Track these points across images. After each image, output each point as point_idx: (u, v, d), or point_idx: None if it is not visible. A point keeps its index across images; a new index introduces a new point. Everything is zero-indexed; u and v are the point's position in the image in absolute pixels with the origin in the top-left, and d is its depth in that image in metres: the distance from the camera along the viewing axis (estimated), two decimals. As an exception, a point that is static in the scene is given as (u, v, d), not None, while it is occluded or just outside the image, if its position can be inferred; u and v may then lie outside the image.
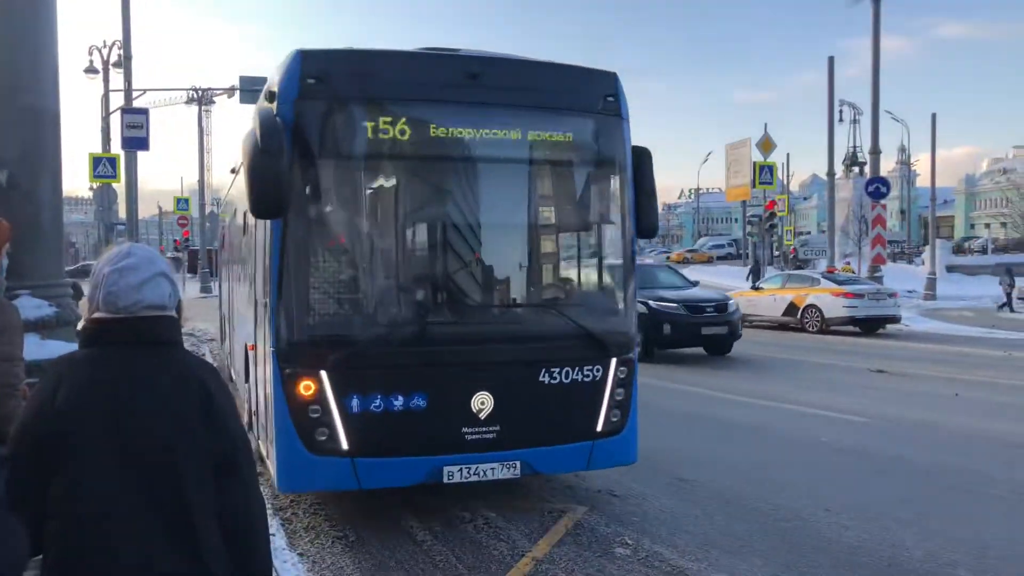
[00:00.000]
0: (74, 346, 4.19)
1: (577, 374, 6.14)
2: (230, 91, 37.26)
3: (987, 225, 76.92)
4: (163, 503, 2.18)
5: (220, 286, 16.07)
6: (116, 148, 24.15)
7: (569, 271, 6.70)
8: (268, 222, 5.65)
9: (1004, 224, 70.65)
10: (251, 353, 7.46)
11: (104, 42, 30.04)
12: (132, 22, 24.14)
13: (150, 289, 2.32)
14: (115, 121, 25.10)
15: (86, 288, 2.49)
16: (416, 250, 6.24)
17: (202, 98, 43.27)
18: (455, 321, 6.06)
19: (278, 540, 5.96)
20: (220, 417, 2.28)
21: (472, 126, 5.91)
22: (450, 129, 5.88)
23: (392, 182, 6.09)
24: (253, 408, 7.39)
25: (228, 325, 12.64)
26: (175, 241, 52.39)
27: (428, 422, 5.80)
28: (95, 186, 23.45)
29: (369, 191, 6.09)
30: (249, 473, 2.35)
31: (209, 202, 48.47)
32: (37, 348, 3.98)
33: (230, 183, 12.11)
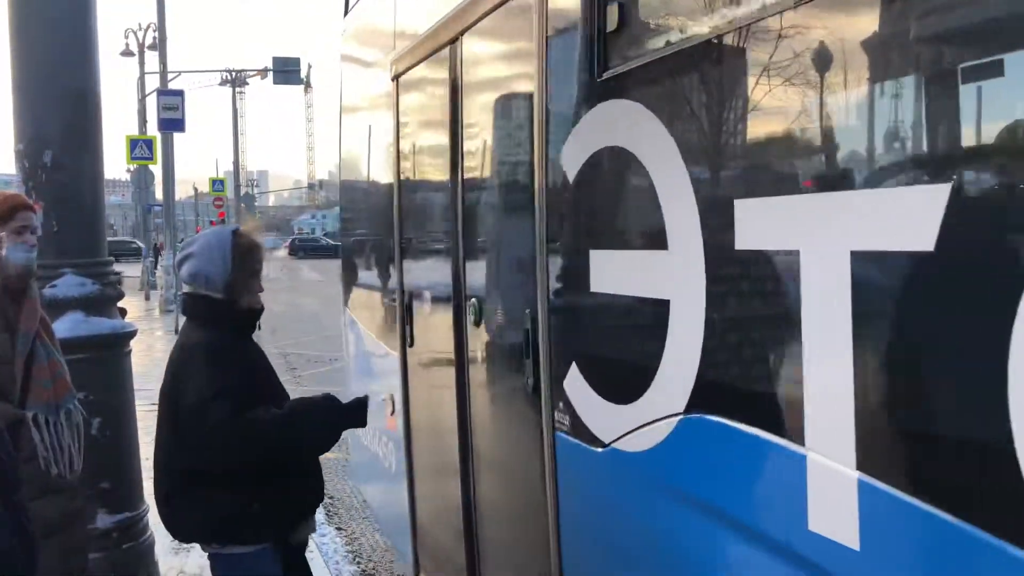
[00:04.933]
0: (117, 322, 4.28)
1: None
2: (263, 72, 37.48)
3: None
4: (158, 450, 2.89)
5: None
6: (152, 130, 24.44)
7: None
8: None
9: None
10: None
11: (139, 25, 30.35)
12: (166, 4, 24.35)
13: (183, 268, 2.91)
14: (151, 103, 25.38)
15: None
16: None
17: (236, 80, 43.54)
18: None
19: (317, 514, 6.05)
20: (180, 384, 2.80)
21: None
22: None
23: None
24: None
25: None
26: (211, 222, 52.99)
27: None
28: (132, 168, 23.76)
29: None
30: (190, 428, 2.76)
31: (244, 183, 48.87)
32: (82, 325, 4.06)
33: None
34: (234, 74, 43.05)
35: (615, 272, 2.25)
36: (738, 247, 1.73)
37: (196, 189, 68.80)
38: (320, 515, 6.09)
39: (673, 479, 2.01)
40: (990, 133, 1.29)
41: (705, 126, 1.96)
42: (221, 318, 2.86)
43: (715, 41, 1.87)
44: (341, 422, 3.02)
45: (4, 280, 2.99)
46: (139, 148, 20.05)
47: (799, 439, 1.56)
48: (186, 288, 2.99)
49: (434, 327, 3.71)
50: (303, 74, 35.69)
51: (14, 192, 3.60)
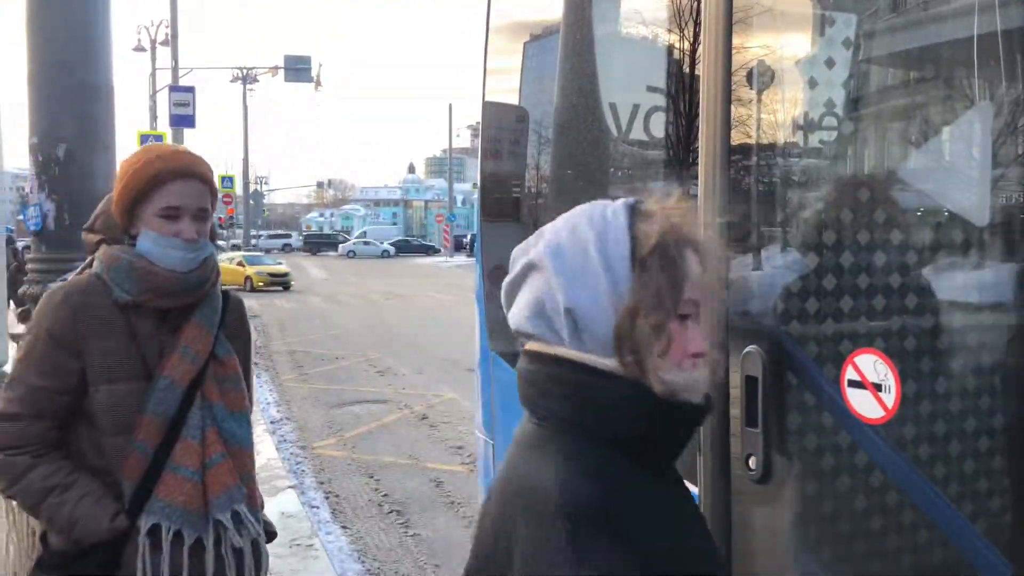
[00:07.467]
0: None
1: None
2: (275, 70, 37.55)
3: None
4: None
5: None
6: (163, 126, 24.50)
7: None
8: None
9: None
10: None
11: (152, 21, 30.44)
12: (179, 1, 24.43)
13: (519, 294, 1.18)
14: (162, 99, 25.44)
15: None
16: None
17: (247, 77, 43.61)
18: None
19: (322, 512, 6.07)
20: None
21: None
22: None
23: None
24: None
25: None
26: (219, 219, 53.04)
27: None
28: (142, 163, 23.74)
29: None
30: None
31: (253, 180, 48.93)
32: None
33: None
34: (245, 71, 43.13)
35: None
36: None
37: (205, 185, 68.76)
38: (326, 512, 6.09)
39: None
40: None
41: None
42: (607, 420, 1.17)
43: None
44: None
45: (149, 294, 1.93)
46: (149, 143, 20.09)
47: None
48: (521, 338, 1.26)
49: None
50: (314, 72, 35.79)
51: (177, 148, 2.16)
